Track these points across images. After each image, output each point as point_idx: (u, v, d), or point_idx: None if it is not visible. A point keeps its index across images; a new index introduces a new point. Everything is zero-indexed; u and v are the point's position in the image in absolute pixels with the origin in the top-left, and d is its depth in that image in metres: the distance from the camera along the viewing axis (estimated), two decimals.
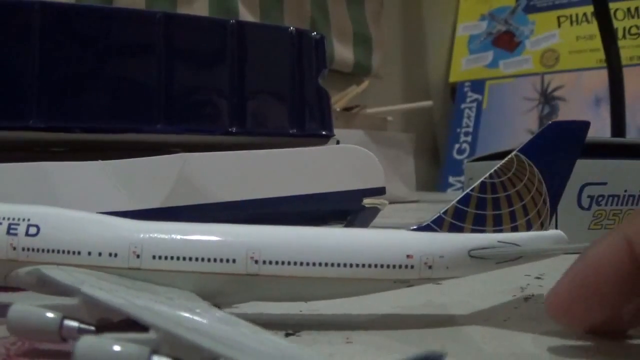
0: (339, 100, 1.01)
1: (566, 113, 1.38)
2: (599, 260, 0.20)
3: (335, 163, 0.41)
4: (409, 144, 1.05)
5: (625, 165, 0.44)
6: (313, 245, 0.23)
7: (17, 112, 0.36)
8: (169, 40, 0.40)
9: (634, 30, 1.34)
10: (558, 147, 0.25)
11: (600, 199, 0.43)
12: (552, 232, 0.25)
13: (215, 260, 0.23)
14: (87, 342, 0.17)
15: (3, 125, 0.36)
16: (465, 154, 1.45)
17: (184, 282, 0.23)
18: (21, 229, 0.23)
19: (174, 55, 0.40)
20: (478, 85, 1.52)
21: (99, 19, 0.39)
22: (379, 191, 0.42)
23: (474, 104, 1.51)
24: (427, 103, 1.20)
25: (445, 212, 0.25)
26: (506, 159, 0.25)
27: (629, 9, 1.34)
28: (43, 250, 0.23)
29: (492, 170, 0.25)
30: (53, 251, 0.23)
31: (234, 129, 0.42)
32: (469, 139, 1.48)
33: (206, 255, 0.23)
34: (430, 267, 0.24)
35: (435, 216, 0.25)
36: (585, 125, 0.26)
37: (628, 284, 0.19)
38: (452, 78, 1.58)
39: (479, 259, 0.24)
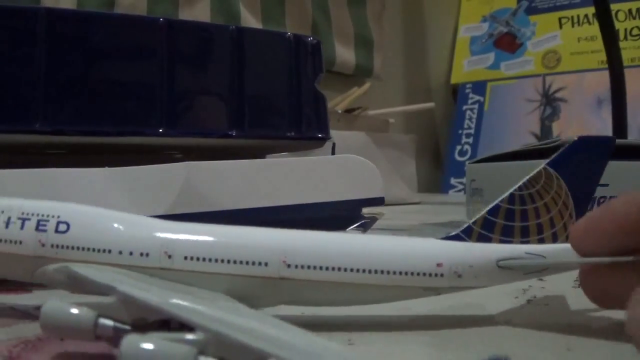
0: (340, 102, 1.01)
1: (568, 114, 1.38)
2: (617, 203, 0.22)
3: (336, 173, 0.41)
4: (410, 146, 1.05)
5: (627, 166, 0.44)
6: (345, 250, 0.23)
7: (24, 115, 0.36)
8: (170, 45, 0.40)
9: (635, 32, 1.34)
10: (585, 161, 0.26)
11: (602, 200, 0.43)
12: None
13: (247, 262, 0.23)
14: (133, 341, 0.17)
15: (9, 129, 0.36)
16: (467, 156, 1.45)
17: (215, 283, 0.22)
18: (51, 226, 0.23)
19: (175, 60, 0.40)
20: (479, 87, 1.52)
21: (103, 25, 0.39)
22: (378, 201, 0.42)
23: (476, 106, 1.51)
24: (429, 105, 1.20)
25: (474, 222, 0.25)
26: (535, 171, 0.25)
27: (630, 10, 1.34)
28: (72, 248, 0.22)
29: (521, 182, 0.25)
30: (83, 249, 0.22)
31: (233, 132, 0.42)
32: (470, 140, 1.48)
33: (238, 257, 0.23)
34: (459, 276, 0.24)
35: (465, 226, 0.25)
36: (611, 141, 0.26)
37: (631, 227, 0.22)
38: (454, 79, 1.58)
39: (507, 270, 0.24)
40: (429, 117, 1.53)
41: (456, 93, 1.57)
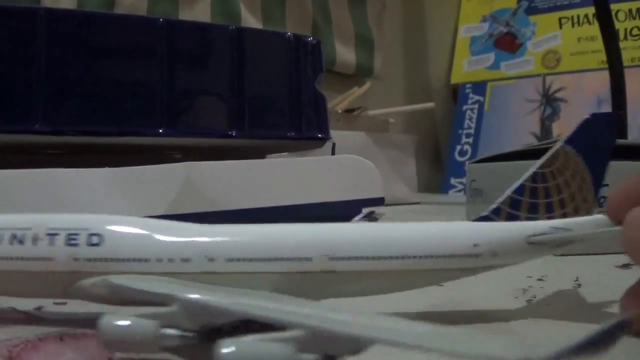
0: (340, 102, 1.01)
1: (568, 114, 1.38)
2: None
3: (336, 173, 0.41)
4: (410, 146, 1.05)
5: (627, 166, 0.44)
6: (385, 239, 0.24)
7: (24, 115, 0.36)
8: (170, 45, 0.40)
9: (635, 32, 1.34)
10: (597, 136, 0.27)
11: (602, 200, 0.43)
12: (596, 216, 0.27)
13: (290, 259, 0.23)
14: (232, 346, 0.17)
15: (10, 129, 0.36)
16: (467, 156, 1.45)
17: (260, 283, 0.22)
18: (82, 239, 0.22)
19: (175, 60, 0.40)
20: (480, 87, 1.52)
21: (102, 25, 0.39)
22: (378, 201, 0.43)
23: (476, 106, 1.51)
24: (429, 105, 1.20)
25: (502, 202, 0.26)
26: (553, 149, 0.27)
27: (630, 10, 1.34)
28: (108, 260, 0.22)
29: (541, 161, 0.27)
30: (120, 260, 0.22)
31: (233, 132, 0.42)
32: (470, 140, 1.48)
33: (281, 255, 0.23)
34: (494, 254, 0.24)
35: (494, 206, 0.26)
36: (616, 116, 0.29)
37: None
38: (454, 79, 1.58)
39: (536, 245, 0.25)
40: (429, 117, 1.53)
41: (456, 93, 1.56)
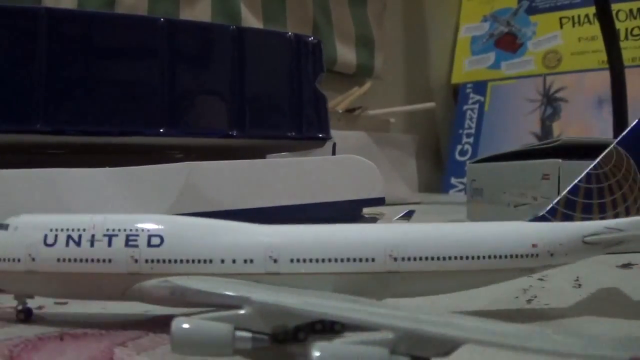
0: (341, 102, 1.01)
1: (568, 114, 1.38)
2: None
3: (336, 173, 0.41)
4: (411, 146, 1.05)
5: None
6: (447, 240, 0.24)
7: (24, 115, 0.36)
8: (171, 45, 0.40)
9: (636, 32, 1.34)
10: None
11: None
12: None
13: (354, 259, 0.23)
14: (325, 349, 0.17)
15: (10, 129, 0.36)
16: (468, 156, 1.45)
17: (324, 283, 0.22)
18: (142, 240, 0.22)
19: (176, 60, 0.40)
20: (480, 87, 1.52)
21: (103, 25, 0.39)
22: (379, 201, 0.43)
23: (476, 106, 1.51)
24: (430, 104, 1.20)
25: (557, 203, 0.27)
26: (607, 151, 0.27)
27: (631, 10, 1.34)
28: (169, 261, 0.22)
29: (595, 162, 0.27)
30: (181, 261, 0.22)
31: (234, 132, 0.42)
32: (471, 140, 1.48)
33: (345, 255, 0.23)
34: (552, 254, 0.25)
35: (549, 207, 0.27)
36: None
37: None
38: (454, 79, 1.58)
39: (591, 245, 0.26)
40: (429, 117, 1.53)
41: (457, 93, 1.57)
